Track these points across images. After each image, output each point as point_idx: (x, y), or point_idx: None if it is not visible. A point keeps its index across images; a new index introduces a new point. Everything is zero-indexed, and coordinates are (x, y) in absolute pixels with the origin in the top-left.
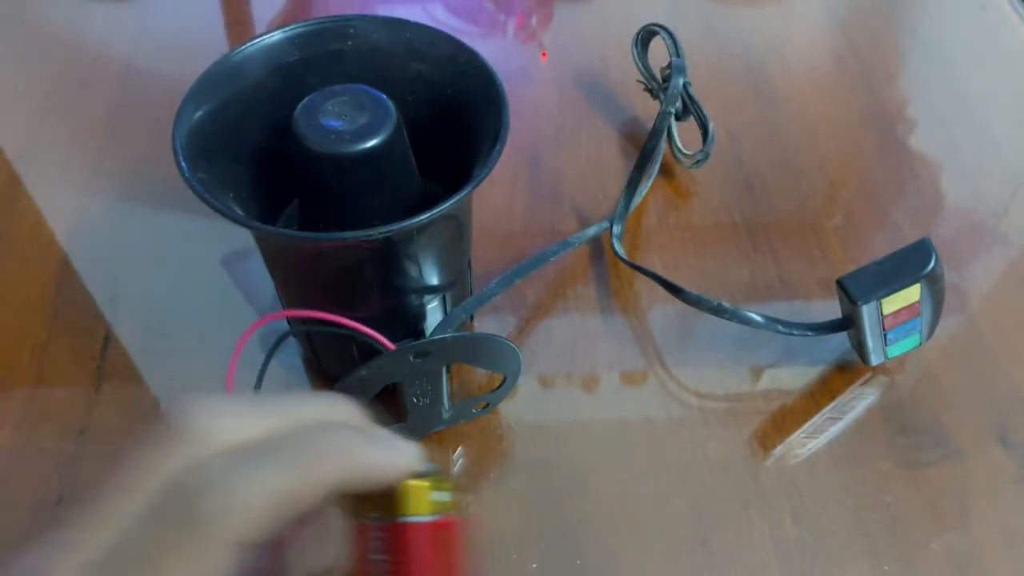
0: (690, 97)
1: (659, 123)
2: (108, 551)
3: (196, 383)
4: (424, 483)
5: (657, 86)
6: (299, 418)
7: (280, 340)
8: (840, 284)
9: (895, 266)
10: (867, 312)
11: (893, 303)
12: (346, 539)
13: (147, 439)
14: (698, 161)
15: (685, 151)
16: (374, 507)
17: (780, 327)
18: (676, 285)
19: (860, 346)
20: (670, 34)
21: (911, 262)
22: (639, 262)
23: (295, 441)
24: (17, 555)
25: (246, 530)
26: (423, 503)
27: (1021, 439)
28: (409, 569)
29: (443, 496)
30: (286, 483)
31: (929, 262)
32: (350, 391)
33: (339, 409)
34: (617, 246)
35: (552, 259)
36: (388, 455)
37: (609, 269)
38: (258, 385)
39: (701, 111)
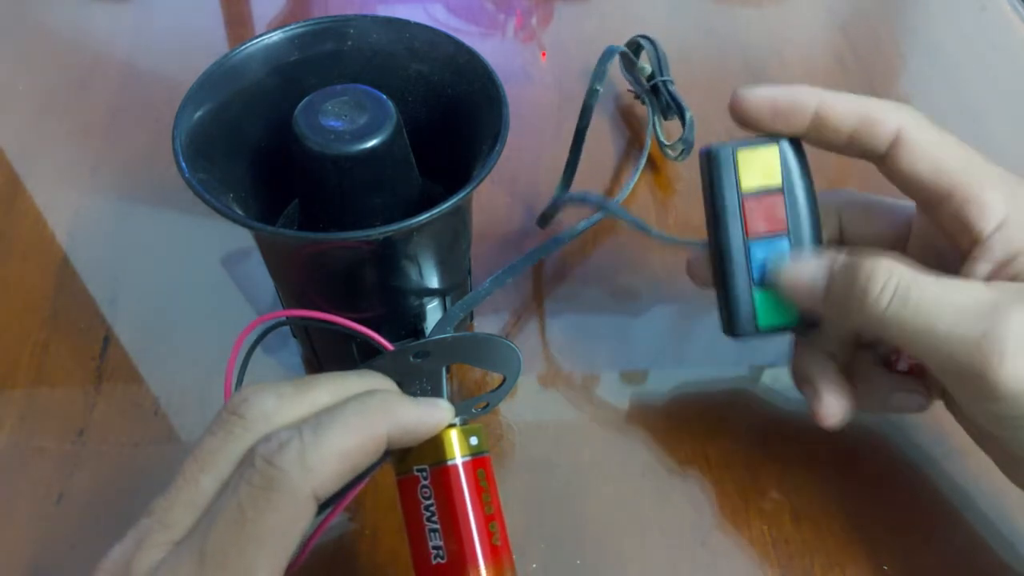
0: (670, 94)
1: (588, 99)
2: (191, 525)
3: (196, 383)
4: (461, 430)
5: (641, 90)
6: (345, 390)
7: (267, 331)
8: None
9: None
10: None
11: (751, 165)
12: (398, 498)
13: (214, 428)
14: (682, 152)
15: (667, 143)
16: (419, 461)
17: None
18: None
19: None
20: (653, 45)
21: None
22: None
23: (350, 407)
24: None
25: (321, 484)
26: (464, 446)
27: None
28: (458, 506)
29: (475, 439)
30: (350, 440)
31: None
32: None
33: (376, 380)
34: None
35: (542, 256)
36: (427, 410)
37: (608, 267)
38: (241, 374)
39: (679, 103)
